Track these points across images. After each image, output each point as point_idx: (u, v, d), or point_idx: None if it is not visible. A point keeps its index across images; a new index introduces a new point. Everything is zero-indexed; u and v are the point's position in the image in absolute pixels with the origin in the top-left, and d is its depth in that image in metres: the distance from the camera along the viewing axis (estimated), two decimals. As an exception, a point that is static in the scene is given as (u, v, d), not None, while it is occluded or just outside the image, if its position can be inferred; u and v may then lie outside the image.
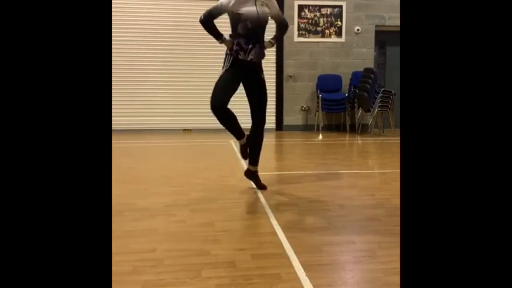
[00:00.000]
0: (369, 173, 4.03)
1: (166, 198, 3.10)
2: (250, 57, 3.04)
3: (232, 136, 3.26)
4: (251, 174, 3.36)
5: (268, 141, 5.85)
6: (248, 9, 2.98)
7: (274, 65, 7.30)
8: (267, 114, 3.25)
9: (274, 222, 2.54)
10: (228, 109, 3.03)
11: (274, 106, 7.26)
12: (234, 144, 5.82)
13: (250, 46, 3.02)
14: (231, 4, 2.97)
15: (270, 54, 6.36)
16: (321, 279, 1.81)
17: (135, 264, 1.94)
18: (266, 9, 3.07)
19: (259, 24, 3.03)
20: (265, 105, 3.21)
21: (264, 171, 3.64)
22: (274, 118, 7.32)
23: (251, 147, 3.27)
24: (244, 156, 3.34)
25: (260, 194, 3.17)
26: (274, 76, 7.30)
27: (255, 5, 3.01)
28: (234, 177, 3.77)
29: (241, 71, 3.09)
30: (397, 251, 2.08)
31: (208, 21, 3.05)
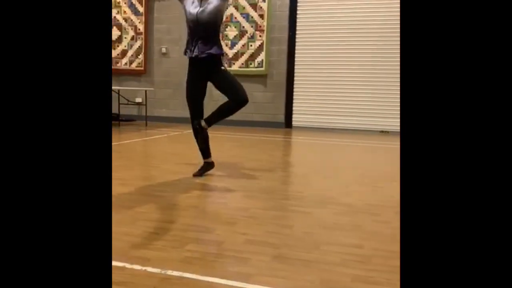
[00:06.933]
0: None
1: (367, 196, 3.03)
2: (195, 53, 3.21)
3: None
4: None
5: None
6: (190, 12, 3.23)
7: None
8: None
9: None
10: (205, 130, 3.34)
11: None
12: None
13: (194, 44, 3.22)
14: (184, 3, 3.30)
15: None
16: None
17: (343, 257, 1.94)
18: (206, 10, 3.18)
19: (198, 24, 3.19)
20: (235, 82, 3.27)
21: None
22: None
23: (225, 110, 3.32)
24: (200, 174, 3.42)
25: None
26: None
27: (199, 7, 3.22)
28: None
29: (200, 69, 3.25)
30: None
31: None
